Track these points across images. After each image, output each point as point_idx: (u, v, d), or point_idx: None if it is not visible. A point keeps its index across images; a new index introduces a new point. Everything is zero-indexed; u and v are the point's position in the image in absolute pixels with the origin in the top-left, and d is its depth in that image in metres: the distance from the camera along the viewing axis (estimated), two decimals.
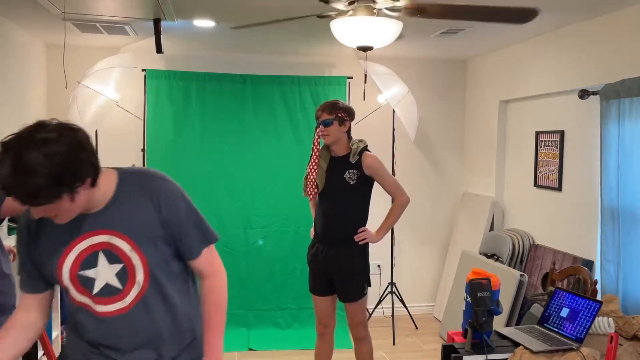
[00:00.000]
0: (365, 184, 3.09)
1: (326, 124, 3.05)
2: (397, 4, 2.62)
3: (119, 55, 4.38)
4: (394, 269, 5.01)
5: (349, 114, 3.10)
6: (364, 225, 3.14)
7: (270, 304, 4.77)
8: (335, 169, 3.11)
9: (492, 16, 2.79)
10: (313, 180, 3.15)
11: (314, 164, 3.17)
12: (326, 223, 3.13)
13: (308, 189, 3.19)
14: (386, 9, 2.68)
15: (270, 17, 3.43)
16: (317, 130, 3.11)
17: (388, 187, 3.13)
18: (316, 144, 3.19)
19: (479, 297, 2.34)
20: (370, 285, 3.18)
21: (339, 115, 3.06)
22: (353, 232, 3.09)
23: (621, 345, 2.46)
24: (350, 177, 3.05)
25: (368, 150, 3.13)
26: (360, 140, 3.14)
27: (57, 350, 3.42)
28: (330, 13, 2.79)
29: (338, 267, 3.09)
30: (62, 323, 3.77)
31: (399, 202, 3.14)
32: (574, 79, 3.69)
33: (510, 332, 2.60)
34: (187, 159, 4.68)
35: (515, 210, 4.58)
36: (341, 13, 2.76)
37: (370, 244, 3.14)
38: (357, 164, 3.06)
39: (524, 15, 2.68)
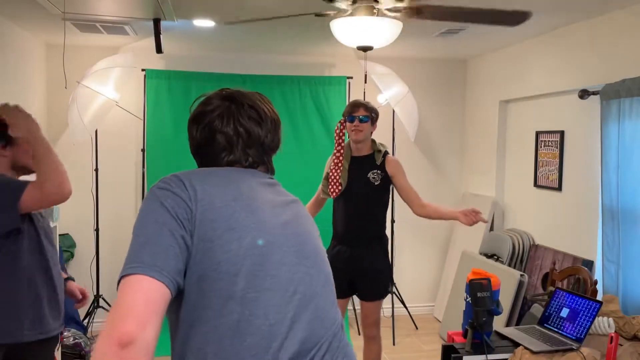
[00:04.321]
0: (388, 185, 3.15)
1: (364, 120, 3.08)
2: (397, 4, 2.63)
3: (118, 55, 4.38)
4: (394, 269, 5.01)
5: (377, 115, 3.19)
6: (385, 226, 3.17)
7: None
8: (357, 169, 3.12)
9: (486, 18, 2.83)
10: (337, 178, 3.14)
11: (337, 161, 3.17)
12: (350, 223, 3.15)
13: (331, 187, 3.18)
14: (387, 9, 2.68)
15: (269, 16, 3.44)
16: (350, 125, 3.11)
17: (408, 191, 3.17)
18: (340, 140, 3.18)
19: (479, 297, 2.34)
20: (394, 284, 3.22)
21: (373, 114, 3.14)
22: (376, 232, 3.14)
23: (621, 345, 2.46)
24: (374, 178, 3.08)
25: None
26: (382, 144, 3.21)
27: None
28: (328, 12, 2.79)
29: (362, 267, 3.12)
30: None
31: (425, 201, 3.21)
32: (574, 79, 3.69)
33: (511, 332, 2.59)
34: (187, 159, 4.61)
35: (515, 210, 4.58)
36: (340, 12, 2.76)
37: (387, 243, 3.21)
38: (382, 165, 3.11)
39: (516, 18, 2.73)
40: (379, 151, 3.14)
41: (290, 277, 1.19)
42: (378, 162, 3.11)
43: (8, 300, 2.03)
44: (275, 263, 1.18)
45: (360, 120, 3.08)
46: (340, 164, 3.13)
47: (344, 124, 3.15)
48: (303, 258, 1.24)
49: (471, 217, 3.01)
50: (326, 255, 1.35)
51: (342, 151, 3.16)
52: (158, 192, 1.15)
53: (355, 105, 3.12)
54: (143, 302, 0.98)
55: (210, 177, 1.22)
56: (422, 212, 3.15)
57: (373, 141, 3.19)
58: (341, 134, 3.16)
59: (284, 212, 1.27)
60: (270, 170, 1.37)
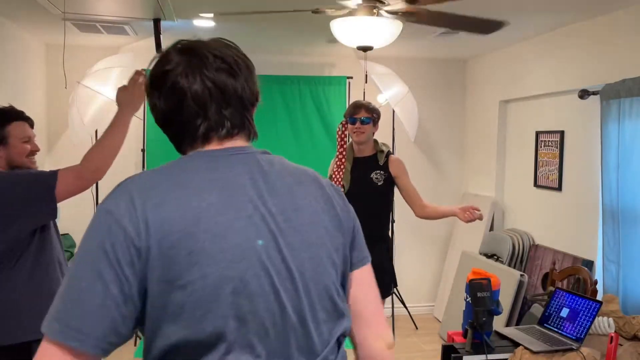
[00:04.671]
0: (391, 185, 3.15)
1: (365, 121, 3.07)
2: (397, 7, 2.64)
3: (118, 55, 4.38)
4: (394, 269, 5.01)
5: (379, 116, 3.19)
6: (388, 226, 3.17)
7: None
8: (360, 170, 3.12)
9: (463, 25, 2.89)
10: (340, 180, 3.14)
11: (340, 162, 3.16)
12: None
13: None
14: (386, 10, 2.69)
15: (269, 16, 3.44)
16: (352, 127, 3.11)
17: (410, 191, 3.16)
18: (342, 142, 3.17)
19: (479, 297, 2.34)
20: (396, 285, 3.23)
21: (374, 115, 3.13)
22: (379, 232, 3.13)
23: (621, 345, 2.46)
24: (377, 178, 3.08)
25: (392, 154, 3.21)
26: (384, 144, 3.20)
27: None
28: (325, 10, 2.79)
29: None
30: None
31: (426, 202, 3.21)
32: (574, 79, 3.69)
33: (510, 332, 2.59)
34: None
35: (515, 210, 4.58)
36: (340, 11, 2.76)
37: (390, 243, 3.23)
38: (385, 166, 3.10)
39: (491, 27, 2.80)
40: (382, 151, 3.14)
41: (268, 312, 0.97)
42: (381, 163, 3.11)
43: (41, 295, 2.02)
44: (252, 298, 0.95)
45: (362, 122, 3.07)
46: (342, 166, 3.13)
47: (346, 126, 3.14)
48: (288, 282, 1.00)
49: (469, 214, 3.01)
50: (331, 260, 1.08)
51: (344, 153, 3.16)
52: (102, 218, 0.94)
53: (357, 107, 3.12)
54: None
55: (172, 191, 0.96)
56: (423, 213, 3.15)
57: (375, 141, 3.19)
58: (343, 136, 3.16)
59: (275, 214, 1.01)
60: (252, 134, 1.13)
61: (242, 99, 1.09)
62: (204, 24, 3.74)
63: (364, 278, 1.17)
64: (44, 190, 1.94)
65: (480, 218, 3.07)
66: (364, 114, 3.08)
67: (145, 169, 4.64)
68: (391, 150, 3.23)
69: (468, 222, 3.07)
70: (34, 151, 2.18)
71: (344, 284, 1.13)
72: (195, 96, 1.03)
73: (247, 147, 1.08)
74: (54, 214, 1.98)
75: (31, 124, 2.21)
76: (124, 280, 0.90)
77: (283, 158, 1.12)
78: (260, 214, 0.99)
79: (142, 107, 4.92)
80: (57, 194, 1.95)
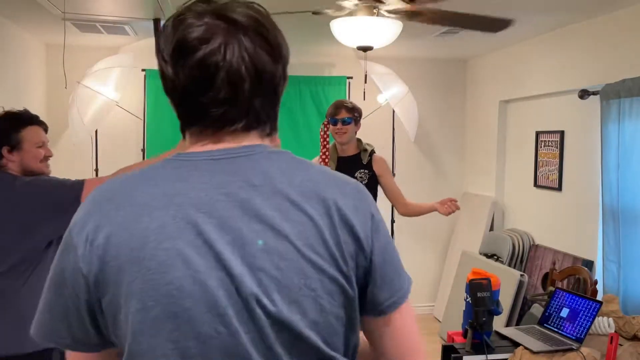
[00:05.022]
0: (375, 184, 3.15)
1: (346, 121, 3.07)
2: (397, 7, 2.63)
3: (118, 55, 4.38)
4: None
5: (361, 114, 3.17)
6: None
7: None
8: (344, 169, 3.12)
9: (472, 24, 2.88)
10: None
11: (323, 163, 3.17)
12: None
13: None
14: (386, 10, 2.68)
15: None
16: (334, 128, 3.11)
17: (393, 190, 3.18)
18: (325, 142, 3.18)
19: (479, 297, 2.34)
20: None
21: (355, 114, 3.12)
22: None
23: (621, 345, 2.46)
24: (362, 177, 3.08)
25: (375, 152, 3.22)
26: (367, 143, 3.21)
27: None
28: (326, 11, 2.79)
29: None
30: None
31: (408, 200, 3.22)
32: (574, 79, 3.69)
33: (511, 332, 2.59)
34: None
35: (515, 210, 4.58)
36: (340, 11, 2.76)
37: None
38: (369, 165, 3.11)
39: (499, 25, 2.79)
40: (365, 150, 3.15)
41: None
42: (365, 162, 3.12)
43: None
44: (202, 340, 0.81)
45: (343, 122, 3.06)
46: (326, 166, 3.15)
47: (327, 126, 3.14)
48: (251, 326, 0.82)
49: (447, 207, 3.04)
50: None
51: (327, 153, 3.16)
52: (64, 237, 0.86)
53: (337, 107, 3.10)
54: None
55: (123, 207, 0.83)
56: (406, 210, 3.20)
57: (359, 140, 3.19)
58: (325, 136, 3.17)
59: (244, 243, 0.82)
60: (272, 128, 0.93)
61: (277, 88, 0.91)
62: None
63: (393, 324, 0.93)
64: (71, 199, 1.92)
65: (458, 208, 3.10)
66: (345, 114, 3.07)
67: None
68: (374, 149, 3.23)
69: (448, 215, 3.10)
70: (48, 156, 2.15)
71: (351, 329, 0.91)
72: (231, 77, 0.83)
73: (251, 148, 0.88)
74: None
75: (45, 128, 2.18)
76: (77, 303, 0.84)
77: (300, 163, 0.90)
78: (222, 241, 0.81)
79: (142, 107, 4.95)
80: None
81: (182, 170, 0.85)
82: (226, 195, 0.83)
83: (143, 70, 4.60)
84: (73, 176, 2.27)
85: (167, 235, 0.80)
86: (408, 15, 2.69)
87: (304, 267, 0.83)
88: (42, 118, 2.22)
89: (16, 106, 2.23)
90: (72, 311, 0.84)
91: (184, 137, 0.93)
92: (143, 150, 4.66)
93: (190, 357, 0.80)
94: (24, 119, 2.10)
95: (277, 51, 0.88)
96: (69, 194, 1.94)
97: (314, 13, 2.82)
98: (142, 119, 4.66)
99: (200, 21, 0.83)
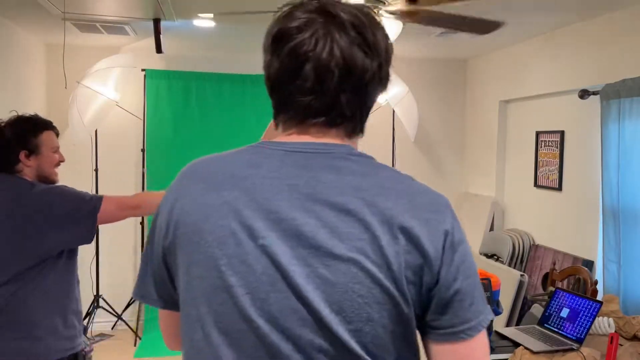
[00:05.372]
0: None
1: None
2: (398, 7, 2.64)
3: (118, 55, 4.38)
4: None
5: None
6: None
7: None
8: None
9: (461, 25, 2.88)
10: None
11: None
12: None
13: None
14: (385, 10, 2.68)
15: (269, 16, 3.43)
16: None
17: None
18: None
19: None
20: None
21: None
22: None
23: (621, 345, 2.45)
24: None
25: None
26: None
27: None
28: None
29: None
30: None
31: None
32: (574, 79, 3.69)
33: (511, 332, 2.59)
34: (186, 159, 4.62)
35: (515, 210, 4.58)
36: None
37: None
38: None
39: (489, 27, 2.83)
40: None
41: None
42: None
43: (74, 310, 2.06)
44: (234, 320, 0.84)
45: None
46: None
47: None
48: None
49: None
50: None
51: None
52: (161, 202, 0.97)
53: None
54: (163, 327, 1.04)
55: (199, 183, 0.91)
56: None
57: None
58: None
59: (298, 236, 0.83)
60: (358, 128, 0.92)
61: (368, 85, 0.89)
62: (204, 24, 3.74)
63: (458, 356, 0.86)
64: (89, 213, 1.93)
65: None
66: None
67: (145, 169, 4.64)
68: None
69: None
70: (60, 161, 2.13)
71: (410, 351, 0.88)
72: (320, 67, 0.85)
73: (330, 147, 0.89)
74: (90, 238, 1.97)
75: (57, 133, 2.18)
76: (160, 263, 0.95)
77: (376, 169, 0.89)
78: (280, 229, 0.83)
79: (142, 107, 4.95)
80: (99, 217, 1.95)
81: (258, 156, 0.90)
82: (290, 187, 0.85)
83: (143, 70, 4.60)
84: (73, 176, 2.27)
85: (225, 214, 0.85)
86: (404, 16, 2.69)
87: (353, 271, 0.81)
88: None
89: (16, 106, 2.22)
90: (157, 271, 0.95)
91: (276, 127, 0.95)
92: (143, 150, 4.65)
93: (225, 335, 0.84)
94: (41, 124, 2.07)
95: (374, 51, 0.88)
96: (85, 207, 1.94)
97: None
98: (142, 119, 4.65)
99: (304, 14, 0.87)
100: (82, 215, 1.93)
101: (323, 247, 0.81)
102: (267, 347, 0.83)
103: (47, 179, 2.06)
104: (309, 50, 0.85)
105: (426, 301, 0.85)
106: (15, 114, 2.08)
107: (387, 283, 0.81)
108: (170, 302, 0.96)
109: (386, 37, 0.91)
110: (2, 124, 2.01)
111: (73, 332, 2.03)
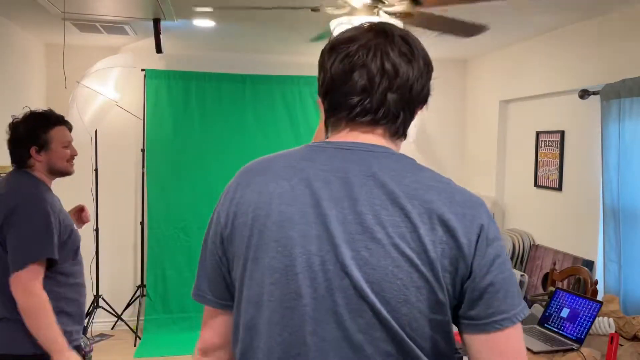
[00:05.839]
0: None
1: None
2: (398, 8, 2.64)
3: (118, 55, 4.38)
4: None
5: None
6: None
7: None
8: None
9: (447, 27, 2.91)
10: None
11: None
12: None
13: None
14: (385, 12, 2.68)
15: (269, 16, 3.44)
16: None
17: None
18: None
19: None
20: None
21: None
22: None
23: (622, 345, 2.45)
24: None
25: None
26: None
27: None
28: (325, 8, 2.78)
29: None
30: None
31: None
32: (574, 79, 3.69)
33: None
34: (186, 158, 4.67)
35: (516, 210, 4.58)
36: (340, 7, 2.75)
37: None
38: None
39: (472, 30, 2.86)
40: None
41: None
42: None
43: (77, 304, 2.10)
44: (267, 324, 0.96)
45: None
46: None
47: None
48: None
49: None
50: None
51: None
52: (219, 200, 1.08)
53: None
54: (207, 327, 1.11)
55: (259, 175, 1.02)
56: None
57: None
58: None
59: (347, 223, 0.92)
60: (397, 132, 1.04)
61: (411, 90, 1.02)
62: (204, 23, 3.74)
63: (494, 346, 0.92)
64: (14, 261, 1.92)
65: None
66: None
67: (145, 169, 4.64)
68: None
69: None
70: (73, 155, 2.19)
71: (444, 339, 0.94)
72: (370, 73, 0.97)
73: (375, 147, 0.99)
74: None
75: (70, 128, 2.21)
76: (218, 256, 1.04)
77: (417, 168, 0.99)
78: (332, 217, 0.93)
79: (142, 107, 4.94)
80: (11, 272, 1.93)
81: (312, 152, 1.00)
82: (339, 178, 0.95)
83: (143, 70, 4.60)
84: (73, 176, 2.27)
85: (284, 201, 0.95)
86: (401, 17, 2.69)
87: (393, 256, 0.89)
88: None
89: (16, 106, 2.23)
90: (212, 266, 1.04)
91: (326, 131, 1.06)
92: (143, 150, 4.65)
93: (283, 309, 0.94)
94: (51, 119, 2.12)
95: (416, 62, 1.02)
96: (19, 253, 1.92)
97: (313, 10, 2.81)
98: (142, 119, 4.65)
99: (358, 30, 1.01)
100: (12, 253, 1.92)
101: (368, 231, 0.91)
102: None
103: (60, 173, 2.14)
104: (360, 56, 0.97)
105: (460, 291, 0.91)
106: (28, 109, 2.11)
107: (424, 269, 0.89)
108: (220, 298, 1.06)
109: (425, 54, 1.05)
110: (17, 120, 2.07)
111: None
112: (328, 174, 0.96)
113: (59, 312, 2.01)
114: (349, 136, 1.00)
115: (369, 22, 1.03)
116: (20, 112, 2.13)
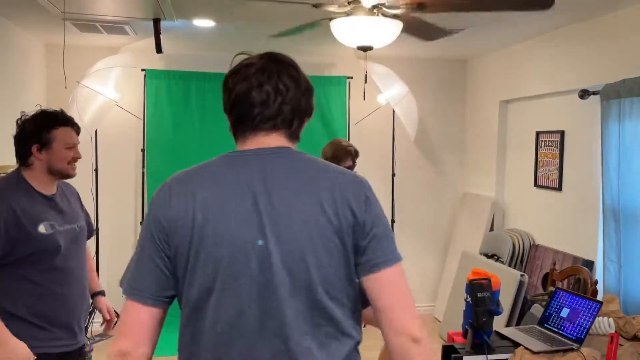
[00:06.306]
0: None
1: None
2: (397, 10, 2.62)
3: (118, 55, 4.38)
4: None
5: (358, 156, 3.45)
6: None
7: None
8: None
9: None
10: None
11: None
12: None
13: None
14: (389, 5, 2.67)
15: (269, 17, 3.43)
16: None
17: None
18: None
19: (479, 298, 2.33)
20: None
21: (355, 160, 3.40)
22: None
23: (621, 345, 2.45)
24: None
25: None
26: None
27: None
28: (326, 5, 2.77)
29: None
30: None
31: None
32: (574, 79, 3.69)
33: (511, 332, 2.59)
34: (186, 158, 4.66)
35: (516, 210, 4.58)
36: (341, 6, 2.75)
37: None
38: None
39: (435, 33, 2.78)
40: None
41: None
42: None
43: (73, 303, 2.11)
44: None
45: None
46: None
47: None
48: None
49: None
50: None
51: None
52: (149, 208, 1.27)
53: (345, 154, 3.37)
54: (133, 325, 1.23)
55: (192, 180, 1.26)
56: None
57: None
58: None
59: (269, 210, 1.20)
60: (293, 135, 1.31)
61: (300, 104, 1.28)
62: (204, 23, 3.74)
63: (384, 279, 1.22)
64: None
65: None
66: (349, 163, 3.33)
67: (145, 169, 4.65)
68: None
69: None
70: (76, 158, 2.14)
71: (351, 286, 1.23)
72: (266, 91, 1.23)
73: (279, 149, 1.27)
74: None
75: (77, 130, 2.17)
76: (161, 252, 1.21)
77: (315, 161, 1.30)
78: (257, 209, 1.19)
79: (142, 107, 4.94)
80: None
81: (230, 160, 1.26)
82: (258, 177, 1.21)
83: (143, 70, 4.60)
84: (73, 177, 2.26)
85: (217, 201, 1.19)
86: (414, 8, 2.65)
87: (309, 227, 1.18)
88: None
89: (16, 106, 2.23)
90: (151, 260, 1.21)
91: (236, 140, 1.31)
92: (143, 150, 4.65)
93: (225, 290, 1.18)
94: (58, 119, 2.09)
95: (302, 84, 1.29)
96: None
97: (315, 6, 2.80)
98: (142, 119, 4.65)
99: (255, 58, 1.28)
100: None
101: (285, 212, 1.19)
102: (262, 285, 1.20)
103: (60, 174, 2.11)
104: (257, 77, 1.23)
105: (360, 245, 1.21)
106: (39, 107, 2.11)
107: (333, 235, 1.19)
108: (155, 293, 1.23)
109: (305, 77, 1.31)
110: (26, 118, 2.06)
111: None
112: (248, 175, 1.21)
113: (11, 315, 1.97)
114: (254, 143, 1.26)
115: (261, 54, 1.30)
116: (31, 110, 2.13)
